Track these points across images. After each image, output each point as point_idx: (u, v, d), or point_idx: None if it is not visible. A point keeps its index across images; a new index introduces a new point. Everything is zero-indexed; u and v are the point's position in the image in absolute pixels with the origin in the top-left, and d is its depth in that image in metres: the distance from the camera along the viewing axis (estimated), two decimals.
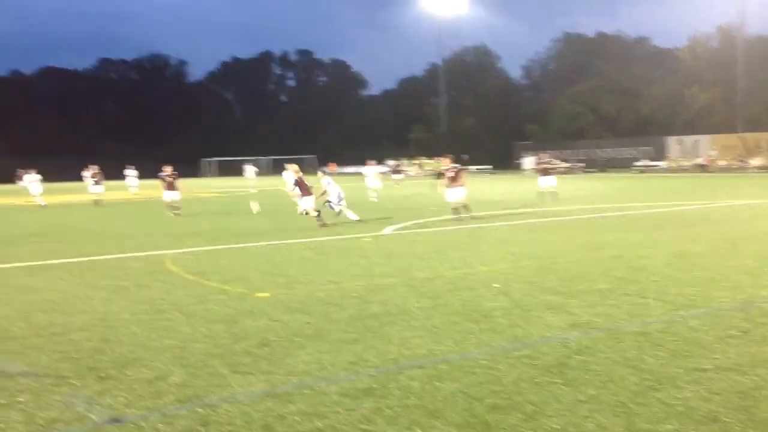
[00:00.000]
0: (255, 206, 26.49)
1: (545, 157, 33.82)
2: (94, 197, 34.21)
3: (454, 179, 21.99)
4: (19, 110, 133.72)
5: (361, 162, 47.66)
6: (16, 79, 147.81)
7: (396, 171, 56.59)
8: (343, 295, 10.17)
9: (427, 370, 6.55)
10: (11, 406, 5.83)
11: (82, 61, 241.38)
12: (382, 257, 14.11)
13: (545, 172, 30.86)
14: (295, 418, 5.45)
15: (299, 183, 21.67)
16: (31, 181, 35.75)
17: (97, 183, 33.50)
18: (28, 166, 36.00)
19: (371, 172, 37.25)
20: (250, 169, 65.60)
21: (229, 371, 6.67)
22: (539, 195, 30.37)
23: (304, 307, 9.45)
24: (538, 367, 6.52)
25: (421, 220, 21.95)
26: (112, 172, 41.27)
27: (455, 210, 21.85)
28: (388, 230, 19.44)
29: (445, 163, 22.85)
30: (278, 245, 16.73)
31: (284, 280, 11.71)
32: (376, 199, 33.86)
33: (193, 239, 18.45)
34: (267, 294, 10.45)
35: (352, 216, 22.09)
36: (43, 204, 34.22)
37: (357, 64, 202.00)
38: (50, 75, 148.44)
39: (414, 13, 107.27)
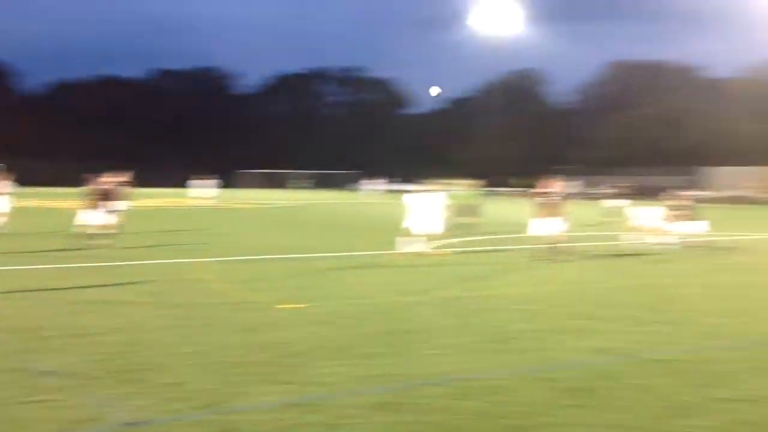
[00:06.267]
0: None
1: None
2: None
3: (548, 207, 16.95)
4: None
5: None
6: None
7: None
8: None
9: (449, 388, 6.52)
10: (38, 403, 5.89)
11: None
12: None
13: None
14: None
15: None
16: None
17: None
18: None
19: None
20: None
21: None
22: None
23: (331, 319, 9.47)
24: (561, 390, 6.47)
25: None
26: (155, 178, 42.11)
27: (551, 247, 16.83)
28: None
29: (549, 186, 17.37)
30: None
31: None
32: None
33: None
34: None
35: None
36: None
37: (409, 82, 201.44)
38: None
39: (467, 34, 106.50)
